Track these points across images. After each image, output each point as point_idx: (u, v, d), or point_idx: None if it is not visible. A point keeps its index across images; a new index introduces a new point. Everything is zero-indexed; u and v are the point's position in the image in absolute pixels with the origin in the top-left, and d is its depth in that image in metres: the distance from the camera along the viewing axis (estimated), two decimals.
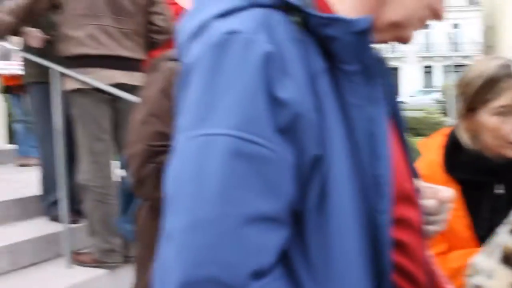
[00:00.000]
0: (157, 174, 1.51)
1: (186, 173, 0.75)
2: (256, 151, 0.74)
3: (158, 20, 3.60)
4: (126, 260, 3.65)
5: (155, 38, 3.64)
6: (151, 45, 3.66)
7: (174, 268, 0.72)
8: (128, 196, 1.81)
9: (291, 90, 0.76)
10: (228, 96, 0.75)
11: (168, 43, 3.76)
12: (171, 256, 0.73)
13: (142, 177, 1.53)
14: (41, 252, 3.73)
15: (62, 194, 3.58)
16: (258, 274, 0.72)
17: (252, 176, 0.73)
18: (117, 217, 1.93)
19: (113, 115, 3.52)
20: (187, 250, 0.72)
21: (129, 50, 3.47)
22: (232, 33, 0.78)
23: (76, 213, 3.84)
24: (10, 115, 7.75)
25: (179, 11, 3.84)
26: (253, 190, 0.73)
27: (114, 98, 3.44)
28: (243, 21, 0.79)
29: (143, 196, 1.62)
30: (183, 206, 0.74)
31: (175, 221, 0.75)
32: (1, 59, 6.14)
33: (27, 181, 4.88)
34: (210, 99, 0.76)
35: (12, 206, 4.11)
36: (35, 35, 3.69)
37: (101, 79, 3.35)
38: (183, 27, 0.89)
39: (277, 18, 0.81)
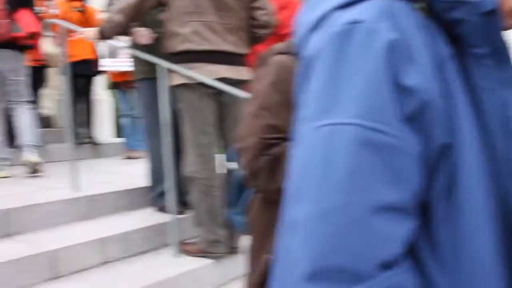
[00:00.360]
0: (270, 167, 1.54)
1: (312, 163, 0.76)
2: (382, 140, 0.73)
3: (260, 15, 3.64)
4: (231, 250, 3.73)
5: (258, 32, 3.68)
6: (254, 40, 3.71)
7: (300, 258, 0.73)
8: (238, 188, 1.85)
9: (418, 77, 0.75)
10: (353, 85, 0.75)
11: (271, 37, 3.80)
12: (296, 246, 0.74)
13: (255, 170, 1.56)
14: (150, 241, 3.88)
15: (169, 185, 3.69)
16: (386, 265, 0.72)
17: (379, 165, 0.73)
18: (227, 208, 1.97)
19: (217, 108, 3.60)
20: (314, 240, 0.72)
21: (233, 45, 3.53)
22: (354, 23, 0.77)
23: (183, 204, 3.96)
24: (117, 110, 8.08)
25: (281, 5, 3.88)
26: (380, 179, 0.73)
27: (219, 92, 3.52)
28: (364, 11, 0.79)
29: (257, 189, 1.65)
30: (309, 195, 0.75)
31: (300, 210, 0.75)
32: (109, 57, 6.41)
33: (134, 173, 5.09)
34: (334, 89, 0.76)
35: (122, 197, 4.29)
36: (144, 33, 3.83)
37: (206, 73, 3.43)
38: (302, 20, 0.90)
39: (399, 6, 0.80)
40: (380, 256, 0.71)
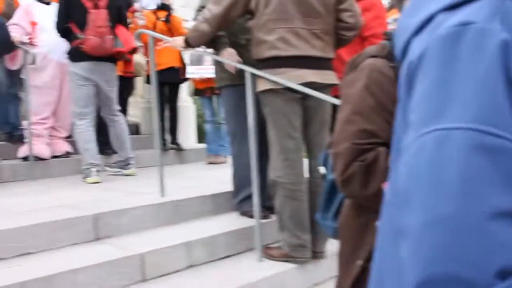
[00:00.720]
0: (364, 173, 1.52)
1: (422, 169, 0.74)
2: (498, 144, 0.70)
3: (346, 17, 3.63)
4: (316, 255, 3.72)
5: (344, 34, 3.67)
6: (340, 42, 3.70)
7: (411, 266, 0.71)
8: (329, 193, 1.84)
9: None
10: (464, 88, 0.73)
11: (354, 40, 3.78)
12: (406, 255, 0.72)
13: (348, 176, 1.55)
14: (234, 245, 3.92)
15: (254, 190, 3.72)
16: (504, 274, 0.68)
17: (494, 170, 0.70)
18: (317, 213, 1.96)
19: (303, 113, 3.61)
20: (426, 248, 0.70)
21: (319, 49, 3.53)
22: (464, 24, 0.75)
23: (267, 208, 3.98)
24: (200, 116, 8.24)
25: (365, 7, 3.84)
26: (495, 184, 0.70)
27: (304, 97, 3.52)
28: (474, 12, 0.76)
29: (350, 195, 1.64)
30: (419, 202, 0.73)
31: (410, 218, 0.73)
32: (193, 64, 6.55)
33: (218, 178, 5.16)
34: (445, 92, 0.74)
35: (207, 201, 4.36)
36: (232, 54, 3.86)
37: (292, 78, 3.44)
38: (403, 23, 0.89)
39: (510, 5, 0.77)
40: (498, 264, 0.69)
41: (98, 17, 5.02)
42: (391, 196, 0.85)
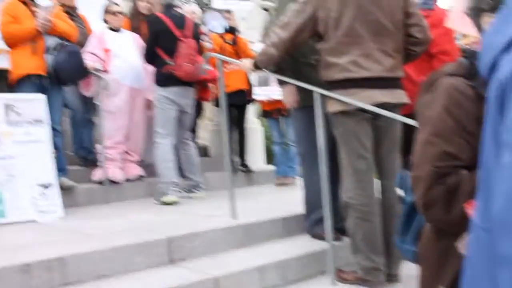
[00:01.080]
0: (446, 197, 1.47)
1: None
2: None
3: (415, 32, 3.59)
4: (389, 278, 3.63)
5: (413, 50, 3.62)
6: (408, 57, 3.65)
7: None
8: (408, 215, 1.79)
9: None
10: None
11: (424, 57, 3.72)
12: (507, 283, 0.70)
13: (430, 200, 1.50)
14: (306, 269, 3.88)
15: (326, 212, 3.68)
16: None
17: None
18: (395, 236, 1.92)
19: (373, 133, 3.56)
20: None
21: (389, 69, 3.48)
22: None
23: (339, 231, 3.92)
24: (267, 137, 8.26)
25: (432, 23, 3.78)
26: None
27: (375, 117, 3.47)
28: None
29: (431, 219, 1.58)
30: None
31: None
32: (260, 85, 6.59)
33: (288, 200, 5.14)
34: None
35: (278, 224, 4.35)
36: (293, 93, 3.87)
37: (363, 99, 3.40)
38: (490, 41, 0.86)
39: None
40: None
41: (189, 45, 5.37)
42: (482, 220, 0.82)
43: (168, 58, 5.32)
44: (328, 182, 3.66)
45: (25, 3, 5.13)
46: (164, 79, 5.38)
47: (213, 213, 4.55)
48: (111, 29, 5.88)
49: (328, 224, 3.68)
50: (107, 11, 5.91)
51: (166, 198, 5.23)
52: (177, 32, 5.37)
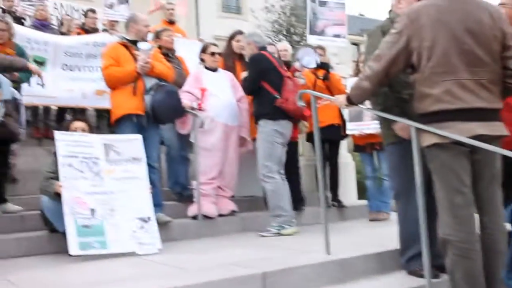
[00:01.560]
0: None
1: None
2: None
3: None
4: None
5: (510, 83, 3.50)
6: (507, 91, 3.53)
7: None
8: None
9: None
10: None
11: None
12: None
13: None
14: None
15: (423, 248, 3.58)
16: None
17: None
18: (503, 271, 1.84)
19: (472, 167, 3.45)
20: None
21: (485, 100, 3.38)
22: None
23: (437, 267, 3.80)
24: (359, 171, 8.18)
25: None
26: None
27: (472, 150, 3.37)
28: None
29: None
30: None
31: None
32: (353, 120, 6.56)
33: (382, 235, 5.06)
34: None
35: (372, 260, 4.27)
36: (404, 128, 3.83)
37: (460, 132, 3.32)
38: None
39: None
40: None
41: (295, 83, 5.75)
42: None
43: (276, 93, 5.55)
44: (425, 217, 3.57)
45: (126, 47, 5.40)
46: (273, 112, 5.58)
47: (307, 248, 4.53)
48: (208, 68, 6.07)
49: (426, 260, 3.57)
50: (204, 51, 6.12)
51: (286, 231, 5.40)
52: (281, 70, 5.72)
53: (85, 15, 9.54)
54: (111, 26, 8.96)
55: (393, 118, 3.80)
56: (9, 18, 6.83)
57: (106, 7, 9.03)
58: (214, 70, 6.09)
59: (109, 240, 4.53)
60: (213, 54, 6.08)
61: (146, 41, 5.52)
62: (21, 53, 6.08)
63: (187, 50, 7.33)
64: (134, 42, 5.39)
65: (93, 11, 9.39)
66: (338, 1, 7.71)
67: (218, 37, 22.55)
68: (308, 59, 6.49)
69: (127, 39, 5.48)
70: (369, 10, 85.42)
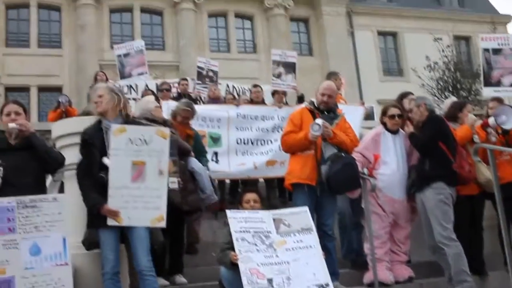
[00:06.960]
0: None
1: None
2: None
3: None
4: None
5: None
6: None
7: None
8: None
9: None
10: None
11: None
12: None
13: None
14: None
15: None
16: None
17: None
18: None
19: None
20: None
21: None
22: None
23: None
24: None
25: None
26: None
27: None
28: None
29: None
30: None
31: None
32: None
33: None
34: None
35: None
36: None
37: None
38: None
39: None
40: None
41: (468, 152, 5.82)
42: None
43: (452, 158, 5.59)
44: None
45: (312, 112, 5.51)
46: (451, 177, 5.58)
47: None
48: (388, 130, 5.94)
49: None
50: (384, 114, 6.00)
51: None
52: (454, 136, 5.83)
53: (250, 90, 9.99)
54: (280, 99, 9.28)
55: None
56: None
57: (273, 77, 9.35)
58: (394, 132, 5.95)
59: None
60: (393, 116, 5.97)
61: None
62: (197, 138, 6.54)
63: (350, 116, 7.27)
64: (321, 110, 5.56)
65: (256, 86, 9.83)
66: None
67: (381, 100, 22.40)
68: (505, 119, 5.98)
69: (314, 105, 5.63)
70: None
